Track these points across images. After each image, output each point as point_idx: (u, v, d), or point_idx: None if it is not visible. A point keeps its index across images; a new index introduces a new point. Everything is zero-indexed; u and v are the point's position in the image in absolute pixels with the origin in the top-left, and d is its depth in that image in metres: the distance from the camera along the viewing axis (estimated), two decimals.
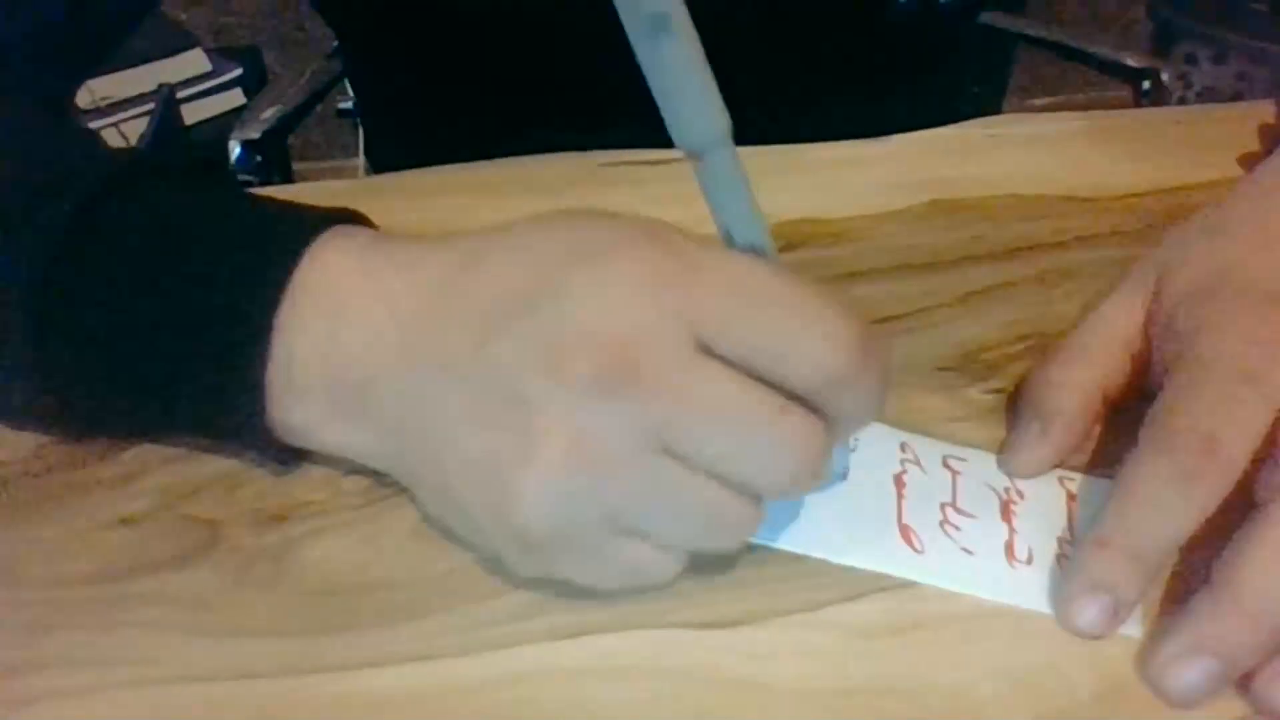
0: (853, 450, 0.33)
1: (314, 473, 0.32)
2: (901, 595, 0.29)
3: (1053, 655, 0.27)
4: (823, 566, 0.30)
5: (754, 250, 0.27)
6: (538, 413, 0.25)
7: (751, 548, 0.30)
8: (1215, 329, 0.30)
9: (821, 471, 0.26)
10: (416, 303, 0.28)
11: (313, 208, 0.31)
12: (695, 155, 0.25)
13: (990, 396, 0.35)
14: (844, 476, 0.31)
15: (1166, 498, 0.27)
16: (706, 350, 0.25)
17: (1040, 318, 0.38)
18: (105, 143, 0.35)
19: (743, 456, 0.25)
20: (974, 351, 0.37)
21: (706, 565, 0.30)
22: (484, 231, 0.29)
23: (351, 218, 0.32)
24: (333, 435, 0.30)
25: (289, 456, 0.32)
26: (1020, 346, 0.37)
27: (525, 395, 0.25)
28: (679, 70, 0.24)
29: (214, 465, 0.33)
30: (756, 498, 0.26)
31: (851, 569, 0.30)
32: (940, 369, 0.36)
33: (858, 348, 0.25)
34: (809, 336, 0.25)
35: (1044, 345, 0.37)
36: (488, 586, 0.29)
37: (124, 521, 0.31)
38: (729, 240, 0.27)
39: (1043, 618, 0.28)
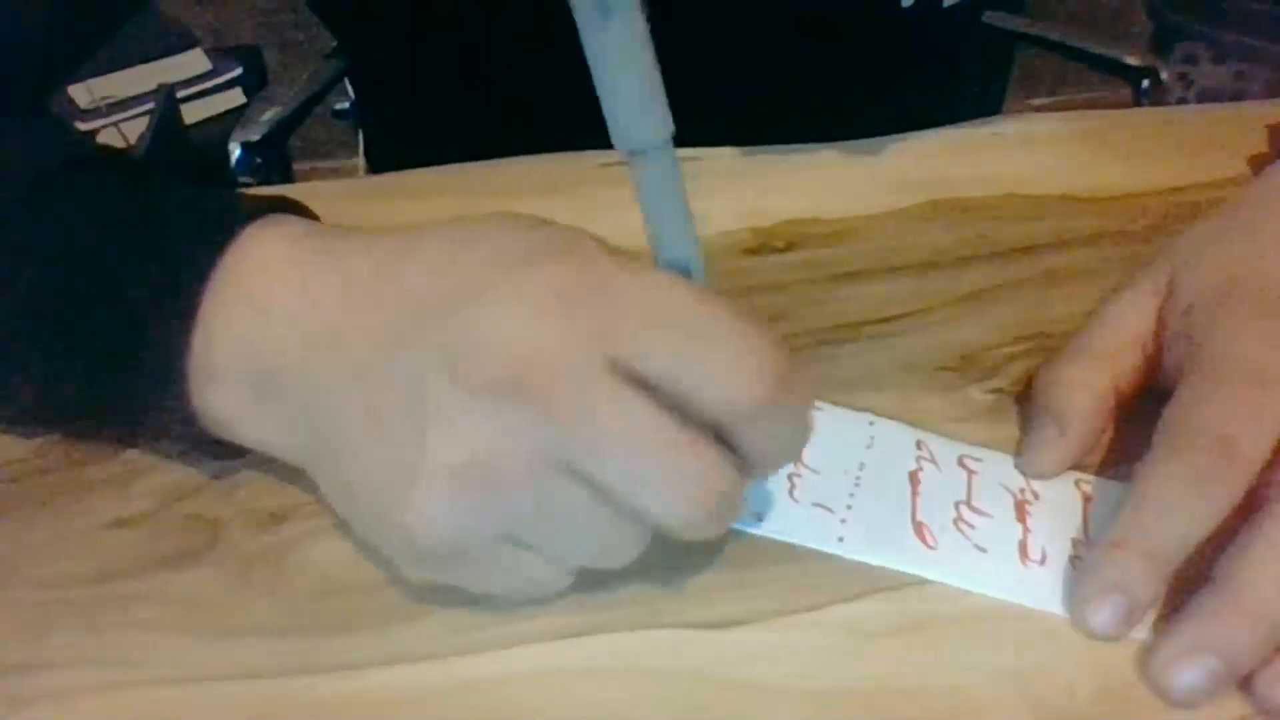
0: (869, 446, 0.33)
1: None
2: (902, 595, 0.29)
3: (1053, 655, 0.27)
4: (823, 566, 0.30)
5: (680, 267, 0.26)
6: (434, 422, 0.24)
7: (763, 543, 0.30)
8: (1228, 332, 0.30)
9: (726, 512, 0.25)
10: (334, 301, 0.27)
11: (249, 197, 0.31)
12: (634, 156, 0.24)
13: (990, 396, 0.35)
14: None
15: (1183, 500, 0.27)
16: (618, 371, 0.24)
17: (1040, 318, 0.38)
18: (74, 134, 0.36)
19: (639, 484, 0.24)
20: (974, 351, 0.37)
21: (707, 565, 0.30)
22: (411, 230, 0.28)
23: (289, 207, 0.31)
24: (249, 427, 0.29)
25: (219, 452, 0.31)
26: (1020, 346, 0.37)
27: (425, 403, 0.24)
28: (626, 62, 0.23)
29: (214, 465, 0.33)
30: (646, 524, 0.25)
31: (852, 568, 0.30)
32: (940, 369, 0.36)
33: (775, 381, 0.24)
34: (723, 364, 0.24)
35: (1044, 345, 0.37)
36: None
37: (124, 521, 0.31)
38: (656, 252, 0.26)
39: (1043, 618, 0.28)
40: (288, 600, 0.29)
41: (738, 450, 0.25)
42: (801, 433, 0.26)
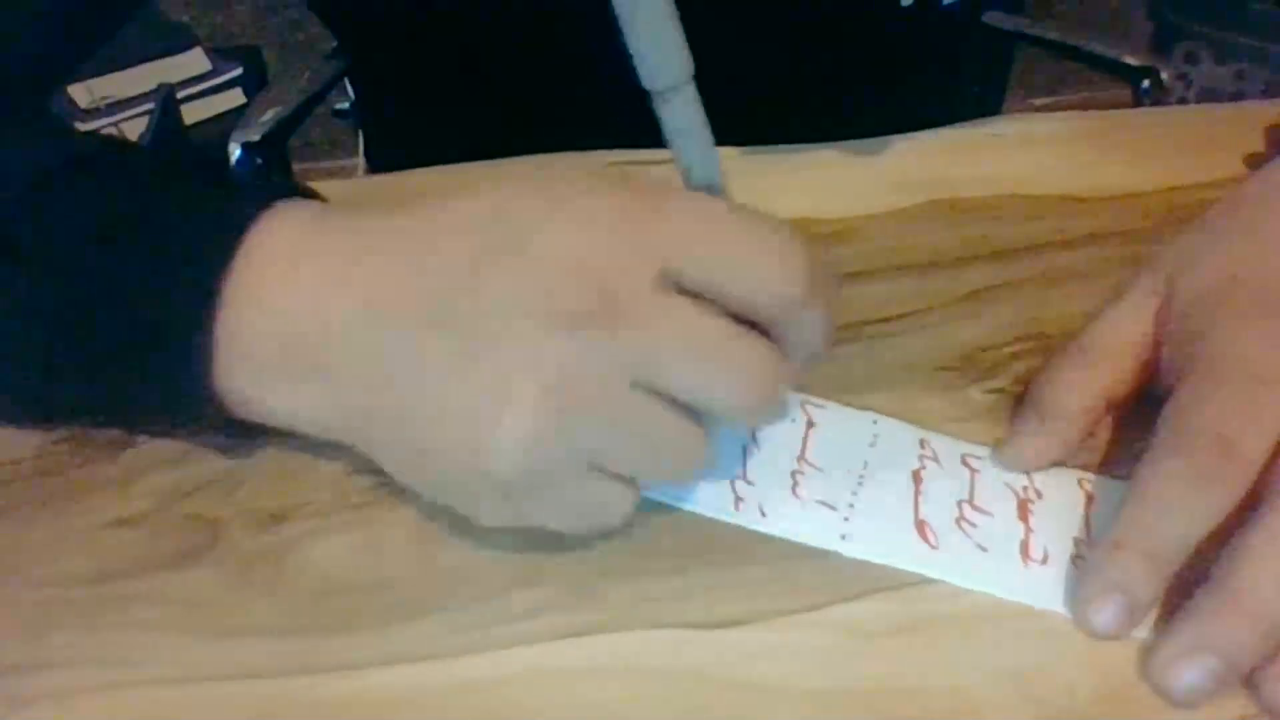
0: (872, 445, 0.33)
1: (314, 473, 0.32)
2: (902, 595, 0.29)
3: (1053, 655, 0.27)
4: (823, 566, 0.30)
5: (710, 188, 0.29)
6: (511, 356, 0.25)
7: (763, 543, 0.30)
8: (1228, 332, 0.30)
9: (779, 398, 0.28)
10: (375, 261, 0.28)
11: (253, 187, 0.31)
12: (661, 96, 0.27)
13: (990, 396, 0.35)
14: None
15: (1183, 500, 0.27)
16: (670, 283, 0.26)
17: (1040, 318, 0.38)
18: (75, 133, 0.36)
19: (709, 382, 0.26)
20: (974, 351, 0.37)
21: (707, 565, 0.30)
22: (423, 201, 0.29)
23: (301, 192, 0.32)
24: (286, 402, 0.29)
25: (243, 432, 0.31)
26: (1020, 346, 0.37)
27: (498, 339, 0.26)
28: (657, 16, 0.25)
29: (214, 465, 0.33)
30: (708, 428, 0.28)
31: (852, 568, 0.30)
32: (940, 369, 0.36)
33: (810, 275, 0.27)
34: (766, 264, 0.27)
35: (1044, 345, 0.37)
36: (487, 586, 0.29)
37: (124, 521, 0.31)
38: (687, 178, 0.28)
39: (1043, 618, 0.28)
40: (288, 600, 0.29)
41: (780, 343, 0.27)
42: (829, 322, 0.28)
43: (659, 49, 0.26)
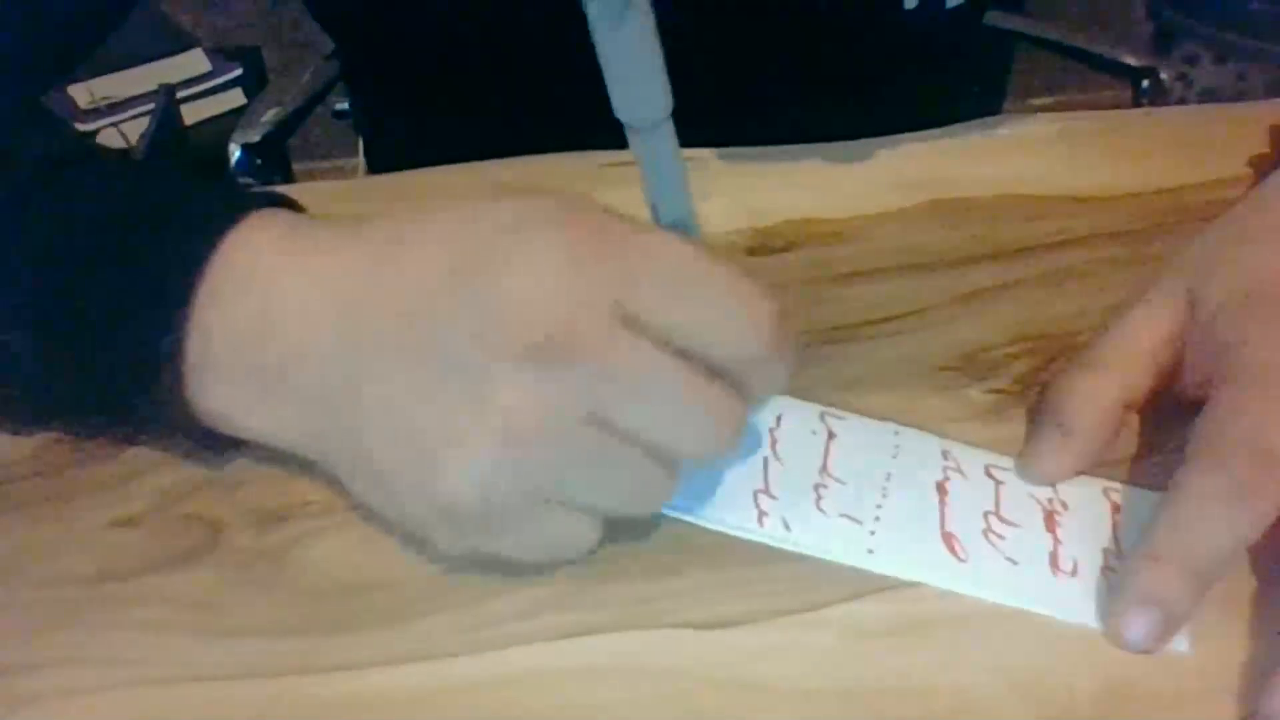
0: (894, 457, 0.33)
1: (314, 473, 0.32)
2: (901, 595, 0.29)
3: (1053, 655, 0.27)
4: (822, 566, 0.30)
5: (679, 226, 0.28)
6: (471, 388, 0.25)
7: (763, 543, 0.30)
8: (1260, 339, 0.30)
9: (739, 438, 0.27)
10: (348, 283, 0.28)
11: (241, 190, 0.31)
12: (637, 130, 0.26)
13: (990, 396, 0.35)
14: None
15: (1222, 513, 0.27)
16: (633, 325, 0.26)
17: (1040, 318, 0.38)
18: (69, 129, 0.36)
19: (670, 426, 0.26)
20: (974, 351, 0.37)
21: (707, 565, 0.30)
22: (409, 214, 0.29)
23: (279, 201, 0.32)
24: (256, 419, 0.30)
25: (216, 444, 0.31)
26: (1020, 346, 0.37)
27: (460, 371, 0.25)
28: (637, 51, 0.24)
29: (214, 465, 0.33)
30: (673, 465, 0.27)
31: (853, 567, 0.29)
32: (940, 369, 0.36)
33: (773, 330, 0.26)
34: (729, 319, 0.26)
35: (1044, 345, 0.37)
36: (488, 586, 0.29)
37: (124, 521, 0.31)
38: (656, 214, 0.28)
39: (1043, 618, 0.28)
40: (288, 600, 0.29)
41: (737, 386, 0.27)
42: (789, 369, 0.28)
43: (636, 85, 0.24)
